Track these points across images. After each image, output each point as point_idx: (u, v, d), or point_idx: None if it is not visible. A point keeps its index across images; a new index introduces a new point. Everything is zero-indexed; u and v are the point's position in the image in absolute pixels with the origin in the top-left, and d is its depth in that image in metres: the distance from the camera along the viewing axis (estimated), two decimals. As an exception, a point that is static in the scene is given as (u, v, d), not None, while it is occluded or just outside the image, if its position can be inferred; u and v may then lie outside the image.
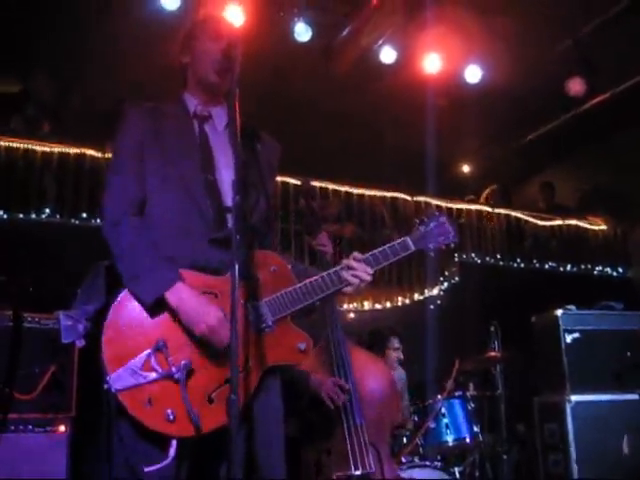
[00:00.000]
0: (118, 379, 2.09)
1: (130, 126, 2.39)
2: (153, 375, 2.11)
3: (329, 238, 3.48)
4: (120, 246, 2.26)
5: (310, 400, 3.20)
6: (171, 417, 2.09)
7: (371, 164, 7.08)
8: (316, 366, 3.31)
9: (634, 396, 5.24)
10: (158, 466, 2.06)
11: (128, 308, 2.20)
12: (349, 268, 2.37)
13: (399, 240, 2.47)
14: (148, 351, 2.14)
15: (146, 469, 2.07)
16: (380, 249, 2.44)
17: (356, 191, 6.85)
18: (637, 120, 7.29)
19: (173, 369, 2.12)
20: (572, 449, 5.17)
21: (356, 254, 2.41)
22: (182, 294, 2.18)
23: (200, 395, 2.12)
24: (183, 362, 2.13)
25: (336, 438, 3.19)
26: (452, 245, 2.55)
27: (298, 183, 3.26)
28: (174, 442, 2.08)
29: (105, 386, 2.11)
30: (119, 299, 2.21)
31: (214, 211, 2.31)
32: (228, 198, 2.29)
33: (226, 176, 2.34)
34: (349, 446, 3.15)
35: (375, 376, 3.23)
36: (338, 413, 3.23)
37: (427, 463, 4.55)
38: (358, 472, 3.07)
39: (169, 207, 2.32)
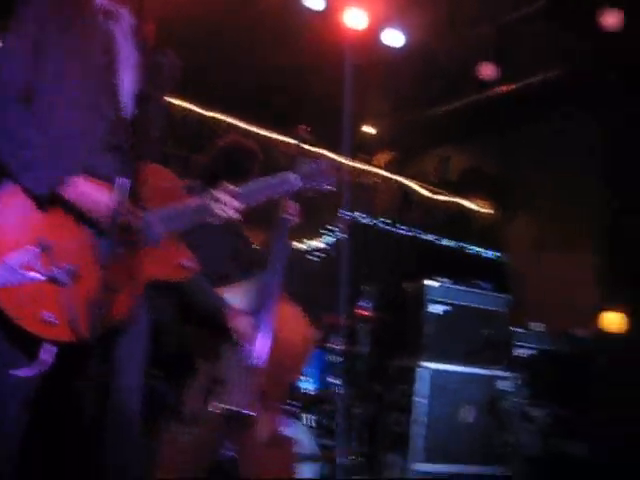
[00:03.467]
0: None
1: (32, 8, 2.19)
2: (33, 275, 2.00)
3: None
4: (7, 133, 2.08)
5: (218, 326, 3.14)
6: (49, 320, 2.00)
7: (285, 111, 7.03)
8: (240, 300, 3.24)
9: (484, 372, 5.57)
10: (27, 371, 1.98)
11: (11, 201, 2.04)
12: (216, 200, 2.30)
13: (282, 174, 2.45)
14: (31, 249, 2.01)
15: (13, 372, 1.98)
16: (256, 181, 2.39)
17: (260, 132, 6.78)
18: (535, 116, 7.59)
19: (56, 271, 2.01)
20: (415, 412, 5.44)
21: (228, 186, 2.34)
22: (81, 188, 2.07)
23: (83, 303, 2.01)
24: (68, 266, 2.03)
25: (230, 372, 3.15)
26: (328, 190, 2.57)
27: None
28: (50, 348, 2.00)
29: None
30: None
31: (113, 118, 2.21)
32: (128, 107, 2.20)
33: (127, 82, 2.23)
34: (238, 383, 3.13)
35: (295, 333, 3.22)
36: (242, 350, 3.20)
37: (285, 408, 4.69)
38: (236, 409, 3.05)
39: (68, 105, 2.17)
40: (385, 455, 5.62)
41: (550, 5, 6.47)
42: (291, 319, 3.10)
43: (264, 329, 3.13)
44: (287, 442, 2.86)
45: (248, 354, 2.97)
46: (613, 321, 6.39)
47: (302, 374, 3.54)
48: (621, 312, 6.05)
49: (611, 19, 6.17)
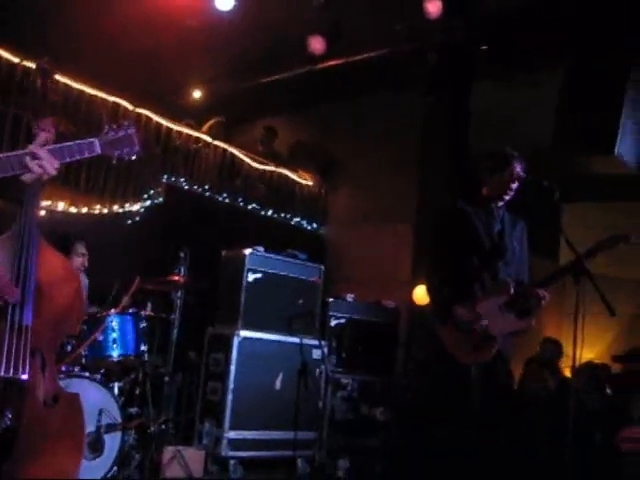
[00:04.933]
0: None
1: None
2: None
3: (53, 124, 3.21)
4: None
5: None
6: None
7: (108, 66, 6.71)
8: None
9: (295, 340, 5.68)
10: None
11: None
12: (34, 157, 2.25)
13: (87, 140, 2.41)
14: None
15: None
16: (67, 144, 2.35)
17: (76, 86, 6.40)
18: (361, 92, 7.79)
19: None
20: (231, 380, 5.47)
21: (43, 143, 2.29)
22: None
23: None
24: None
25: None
26: (130, 158, 2.55)
27: (36, 62, 2.92)
28: None
29: None
30: None
31: None
32: None
33: None
34: (6, 346, 2.95)
35: (63, 281, 2.99)
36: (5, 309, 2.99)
37: (86, 375, 4.52)
38: (6, 374, 2.87)
39: None
40: (199, 423, 5.60)
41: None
42: (56, 266, 2.90)
43: (26, 283, 2.95)
44: (71, 399, 2.71)
45: (14, 313, 2.79)
46: (422, 293, 6.71)
47: (79, 324, 3.36)
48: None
49: (433, 7, 6.45)
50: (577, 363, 3.79)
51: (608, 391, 5.69)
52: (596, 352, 6.87)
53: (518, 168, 3.91)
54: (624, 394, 5.16)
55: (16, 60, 5.83)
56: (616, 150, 5.17)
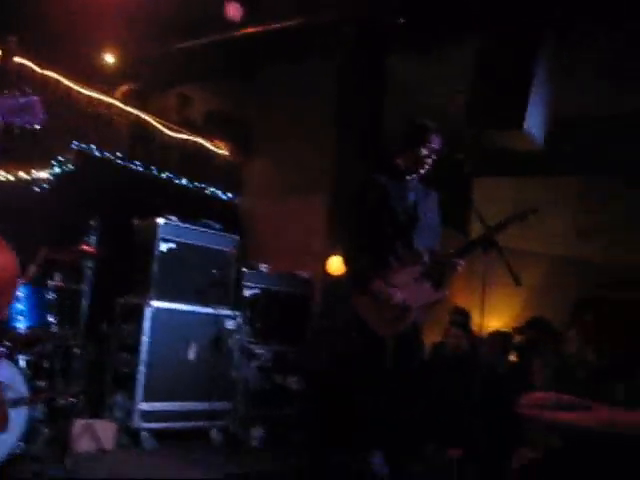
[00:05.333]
0: None
1: None
2: None
3: None
4: None
5: None
6: None
7: (14, 24, 6.40)
8: None
9: (209, 310, 5.64)
10: None
11: None
12: None
13: None
14: None
15: None
16: None
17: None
18: (278, 61, 7.71)
19: None
20: (143, 351, 5.40)
21: None
22: None
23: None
24: None
25: None
26: (32, 127, 2.46)
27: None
28: None
29: None
30: None
31: None
32: None
33: None
34: None
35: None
36: None
37: (-10, 347, 4.36)
38: None
39: None
40: (112, 395, 5.51)
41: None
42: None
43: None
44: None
45: None
46: (337, 264, 6.77)
47: (7, 310, 3.24)
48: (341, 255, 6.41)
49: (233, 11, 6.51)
50: (485, 331, 3.93)
51: (512, 358, 5.94)
52: (503, 321, 7.14)
53: (435, 142, 3.96)
54: (526, 361, 5.38)
55: None
56: (525, 125, 5.32)
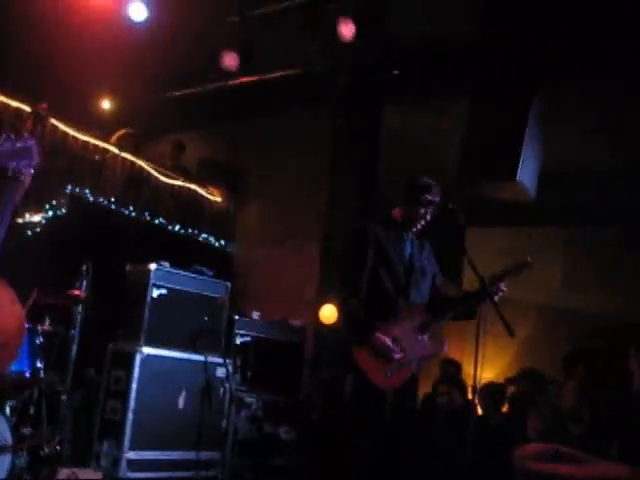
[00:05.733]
0: None
1: None
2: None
3: None
4: None
5: None
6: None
7: (13, 71, 6.50)
8: None
9: (199, 357, 5.57)
10: None
11: None
12: None
13: None
14: None
15: None
16: None
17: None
18: (271, 109, 7.82)
19: None
20: (132, 398, 5.32)
21: None
22: None
23: None
24: None
25: None
26: (29, 171, 2.47)
27: None
28: None
29: None
30: None
31: None
32: None
33: None
34: None
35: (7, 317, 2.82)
36: None
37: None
38: None
39: None
40: (98, 444, 5.41)
41: (294, 7, 6.72)
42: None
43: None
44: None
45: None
46: (329, 313, 6.74)
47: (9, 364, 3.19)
48: (334, 304, 6.40)
49: (346, 30, 6.57)
50: (477, 382, 3.90)
51: (505, 410, 5.88)
52: (496, 372, 7.09)
53: (434, 201, 3.99)
54: (520, 413, 5.33)
55: None
56: (518, 176, 5.37)
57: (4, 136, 2.45)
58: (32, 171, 2.52)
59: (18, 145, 2.43)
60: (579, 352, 5.30)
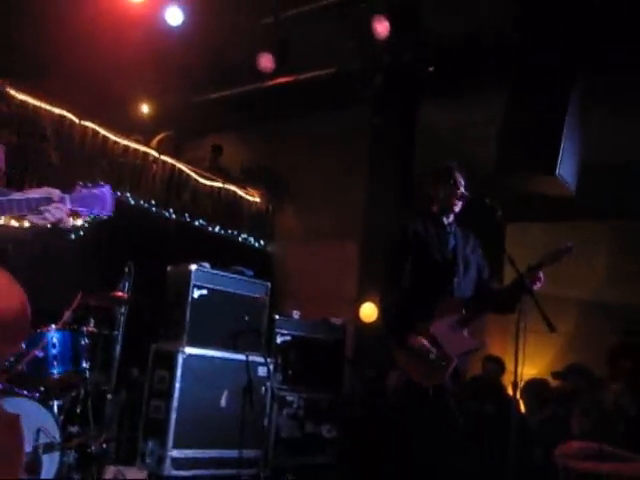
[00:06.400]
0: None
1: None
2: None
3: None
4: None
5: None
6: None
7: (57, 79, 6.63)
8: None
9: (241, 357, 5.62)
10: None
11: None
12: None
13: (60, 195, 2.41)
14: None
15: None
16: (33, 196, 2.36)
17: (21, 97, 6.29)
18: (310, 109, 7.84)
19: None
20: (175, 397, 5.38)
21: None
22: None
23: None
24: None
25: None
26: (99, 217, 2.50)
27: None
28: None
29: None
30: None
31: None
32: None
33: None
34: None
35: (8, 299, 2.89)
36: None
37: (24, 392, 4.38)
38: None
39: None
40: (143, 442, 5.49)
41: (328, 7, 6.73)
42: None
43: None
44: (11, 420, 2.62)
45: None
46: (369, 311, 6.74)
47: (20, 346, 3.25)
48: (374, 302, 6.39)
49: (381, 28, 6.55)
50: (519, 379, 3.86)
51: (549, 407, 5.80)
52: (538, 369, 7.00)
53: (459, 176, 4.00)
54: (564, 409, 5.26)
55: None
56: (557, 171, 5.30)
57: (79, 183, 2.45)
58: (101, 217, 2.53)
59: (93, 192, 2.45)
60: (624, 347, 5.20)
